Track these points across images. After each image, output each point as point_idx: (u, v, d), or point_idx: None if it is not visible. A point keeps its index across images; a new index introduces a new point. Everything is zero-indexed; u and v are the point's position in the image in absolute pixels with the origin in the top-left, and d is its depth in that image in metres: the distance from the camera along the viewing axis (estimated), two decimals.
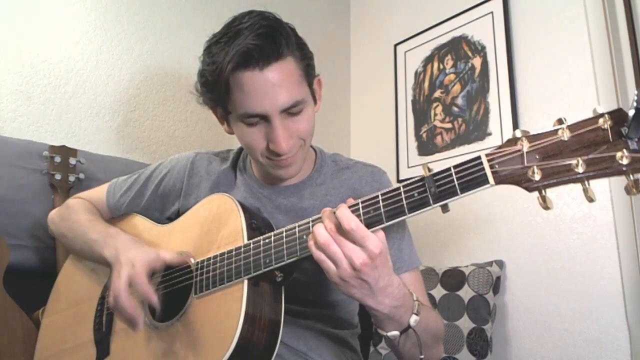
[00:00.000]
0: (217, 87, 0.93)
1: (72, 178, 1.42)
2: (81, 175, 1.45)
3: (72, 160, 1.44)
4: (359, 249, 0.73)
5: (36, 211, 1.36)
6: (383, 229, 0.77)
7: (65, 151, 1.43)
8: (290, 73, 0.92)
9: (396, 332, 0.81)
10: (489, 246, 1.86)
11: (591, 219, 1.61)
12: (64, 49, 1.64)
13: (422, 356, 0.85)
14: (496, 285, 1.71)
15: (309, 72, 0.98)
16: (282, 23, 0.94)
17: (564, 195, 1.68)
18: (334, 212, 0.76)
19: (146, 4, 1.86)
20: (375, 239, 0.73)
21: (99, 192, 1.23)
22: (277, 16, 0.95)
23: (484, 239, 1.89)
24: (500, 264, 1.77)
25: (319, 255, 0.76)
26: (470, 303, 1.66)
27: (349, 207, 0.78)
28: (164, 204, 1.17)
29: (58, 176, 1.40)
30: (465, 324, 1.63)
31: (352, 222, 0.73)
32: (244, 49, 0.87)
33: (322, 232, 0.75)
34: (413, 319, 0.81)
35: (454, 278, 1.75)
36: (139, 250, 0.97)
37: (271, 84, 0.89)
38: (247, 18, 0.91)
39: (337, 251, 0.74)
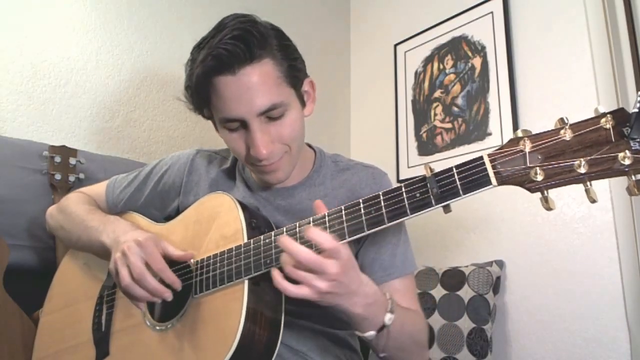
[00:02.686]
0: (195, 93, 0.93)
1: (72, 178, 1.42)
2: (81, 175, 1.45)
3: (72, 160, 1.43)
4: (333, 264, 0.73)
5: (36, 211, 1.36)
6: (383, 229, 0.78)
7: (65, 151, 1.43)
8: (267, 75, 0.89)
9: (372, 332, 0.82)
10: (489, 246, 1.86)
11: (591, 219, 1.62)
12: (64, 49, 1.64)
13: None
14: (496, 285, 1.71)
15: (292, 74, 0.94)
16: (257, 25, 0.91)
17: (564, 195, 1.68)
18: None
19: (146, 3, 1.86)
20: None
21: (99, 189, 1.22)
22: (257, 18, 0.93)
23: (484, 239, 1.89)
24: (500, 264, 1.77)
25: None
26: (470, 303, 1.66)
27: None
28: (164, 200, 1.16)
29: (58, 176, 1.39)
30: (465, 324, 1.63)
31: (303, 254, 0.73)
32: (215, 53, 0.86)
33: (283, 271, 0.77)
34: (387, 317, 0.81)
35: (454, 278, 1.75)
36: (139, 231, 0.96)
37: (246, 87, 0.87)
38: (227, 21, 0.91)
39: (305, 276, 0.75)
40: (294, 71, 0.94)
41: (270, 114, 0.91)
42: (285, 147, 0.96)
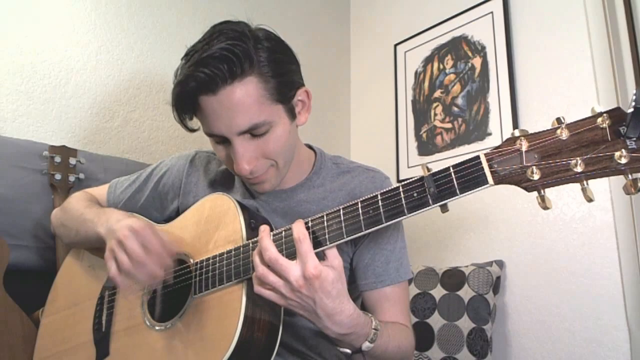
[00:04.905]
0: (177, 109, 0.92)
1: (72, 178, 1.42)
2: (81, 175, 1.45)
3: (72, 160, 1.44)
4: (296, 268, 0.75)
5: (36, 211, 1.36)
6: (378, 231, 0.79)
7: (65, 151, 1.44)
8: (247, 95, 0.86)
9: (348, 351, 0.84)
10: (489, 246, 1.86)
11: (591, 219, 1.61)
12: (64, 49, 1.64)
13: None
14: (496, 285, 1.71)
15: (280, 89, 0.90)
16: (246, 40, 0.87)
17: (564, 195, 1.68)
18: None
19: (146, 4, 1.86)
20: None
21: (100, 190, 1.24)
22: (248, 30, 0.89)
23: (484, 239, 1.89)
24: (500, 264, 1.76)
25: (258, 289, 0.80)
26: (470, 303, 1.66)
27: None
28: (163, 202, 1.17)
29: (58, 176, 1.40)
30: (465, 324, 1.63)
31: (268, 252, 0.77)
32: (195, 74, 0.84)
33: (258, 263, 0.79)
34: (365, 346, 0.82)
35: (454, 278, 1.75)
36: (133, 219, 0.94)
37: (225, 108, 0.86)
38: (218, 28, 0.89)
39: (275, 280, 0.77)
40: (283, 87, 0.91)
41: (253, 132, 0.90)
42: (271, 161, 0.95)
